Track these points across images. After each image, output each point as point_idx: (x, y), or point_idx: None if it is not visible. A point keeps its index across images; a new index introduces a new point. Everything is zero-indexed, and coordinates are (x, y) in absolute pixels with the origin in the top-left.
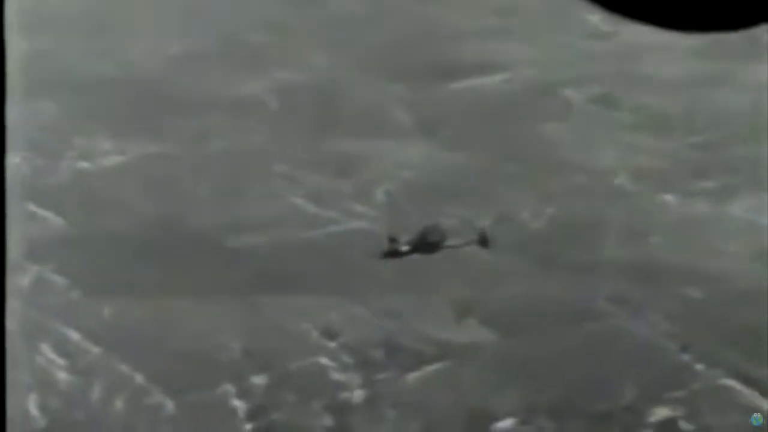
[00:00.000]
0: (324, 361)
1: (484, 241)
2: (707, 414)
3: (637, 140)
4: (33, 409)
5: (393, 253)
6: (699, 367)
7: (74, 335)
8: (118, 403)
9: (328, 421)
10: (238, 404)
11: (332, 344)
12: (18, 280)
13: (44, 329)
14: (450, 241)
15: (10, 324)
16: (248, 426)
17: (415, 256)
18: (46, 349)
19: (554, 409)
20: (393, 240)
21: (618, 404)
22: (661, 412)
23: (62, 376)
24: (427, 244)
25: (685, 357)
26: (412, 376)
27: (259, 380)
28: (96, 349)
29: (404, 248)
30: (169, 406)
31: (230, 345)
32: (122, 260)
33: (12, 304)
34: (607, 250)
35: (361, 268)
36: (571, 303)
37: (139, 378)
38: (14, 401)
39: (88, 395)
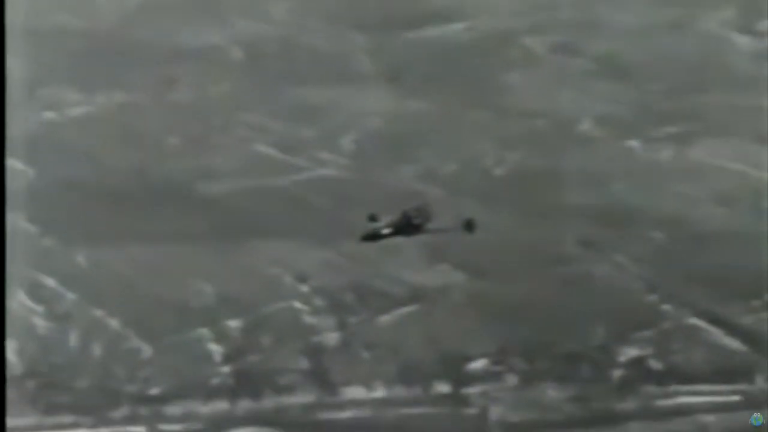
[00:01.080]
0: (297, 305)
1: (470, 227)
2: (675, 353)
3: (598, 88)
4: (11, 355)
5: (373, 237)
6: (666, 307)
7: (49, 282)
8: (96, 348)
9: (303, 363)
10: (215, 348)
11: (304, 288)
12: None
13: (18, 276)
14: (433, 225)
15: None
16: (225, 369)
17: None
18: (22, 296)
19: (526, 350)
20: (373, 219)
21: (588, 344)
22: (630, 352)
23: (39, 321)
24: (410, 225)
25: (653, 298)
26: (385, 319)
27: (234, 324)
28: (71, 296)
29: (385, 231)
30: (147, 350)
31: (204, 290)
32: (93, 209)
33: None
34: (572, 196)
35: (330, 214)
36: (540, 247)
37: (115, 323)
38: None
39: (65, 341)
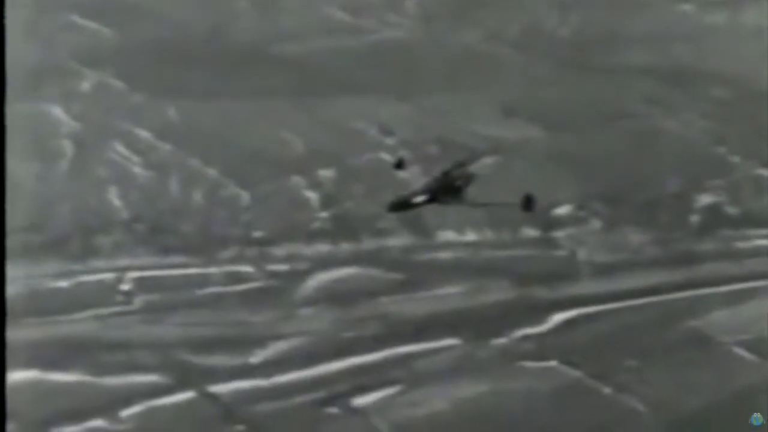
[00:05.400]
0: (384, 156)
1: (529, 204)
2: (747, 199)
3: None
4: (115, 200)
5: (403, 206)
6: (735, 158)
7: (144, 134)
8: (197, 195)
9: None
10: (310, 195)
11: (390, 141)
12: (77, 85)
13: (113, 129)
14: (490, 198)
15: (77, 125)
16: (323, 214)
17: None
18: (119, 147)
19: (607, 197)
20: (400, 165)
21: (665, 192)
22: (705, 199)
23: (138, 170)
24: (449, 189)
25: (722, 150)
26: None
27: (326, 174)
28: (167, 147)
29: (419, 199)
30: (245, 197)
31: (292, 141)
32: (175, 66)
33: (75, 107)
34: (633, 56)
35: (404, 72)
36: (608, 103)
37: (212, 172)
38: (95, 194)
39: (166, 188)
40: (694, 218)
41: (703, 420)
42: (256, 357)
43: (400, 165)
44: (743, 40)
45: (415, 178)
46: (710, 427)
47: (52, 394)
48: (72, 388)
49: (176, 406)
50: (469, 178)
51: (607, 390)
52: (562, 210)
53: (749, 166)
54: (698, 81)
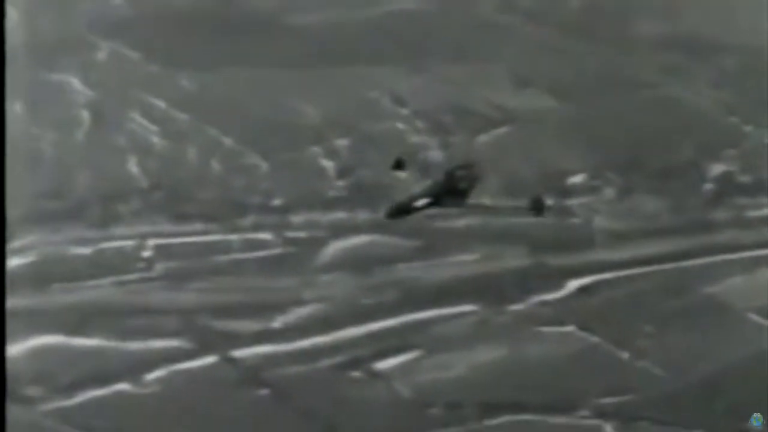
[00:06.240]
0: (399, 125)
1: (538, 208)
2: (761, 169)
3: None
4: (134, 168)
5: (404, 211)
6: (747, 128)
7: (160, 104)
8: (215, 164)
9: (412, 177)
10: (327, 164)
11: (404, 110)
12: (92, 55)
13: (130, 99)
14: (496, 202)
15: (95, 93)
16: (340, 183)
17: None
18: (137, 116)
19: (620, 166)
20: (399, 165)
21: (678, 161)
22: (718, 168)
23: (156, 140)
24: (453, 192)
25: (734, 120)
26: (483, 139)
27: (342, 143)
28: (184, 116)
29: (420, 203)
30: (263, 165)
31: (309, 111)
32: (188, 36)
33: (91, 77)
34: (646, 25)
35: (417, 43)
36: (621, 73)
37: (229, 141)
38: (114, 163)
39: (184, 157)
40: (708, 186)
41: (719, 383)
42: (278, 322)
43: (399, 165)
44: (757, 10)
45: (429, 143)
46: (725, 390)
47: (77, 358)
48: (96, 353)
49: (199, 370)
50: (474, 180)
51: (625, 355)
52: (577, 179)
53: (761, 135)
54: (711, 51)
